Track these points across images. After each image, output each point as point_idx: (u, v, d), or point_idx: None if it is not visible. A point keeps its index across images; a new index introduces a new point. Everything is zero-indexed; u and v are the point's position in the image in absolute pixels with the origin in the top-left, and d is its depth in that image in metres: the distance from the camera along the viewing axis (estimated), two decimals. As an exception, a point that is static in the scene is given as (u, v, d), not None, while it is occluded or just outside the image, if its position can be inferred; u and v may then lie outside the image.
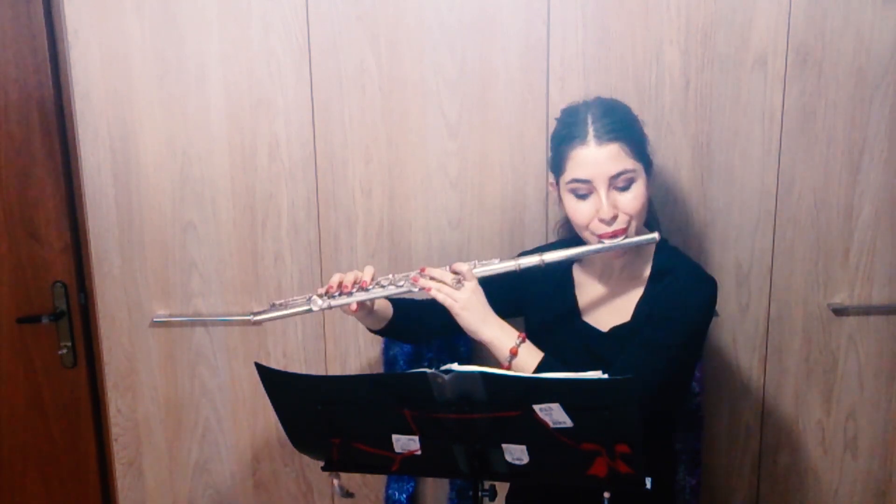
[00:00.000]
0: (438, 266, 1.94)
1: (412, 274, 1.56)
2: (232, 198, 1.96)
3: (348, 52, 1.87)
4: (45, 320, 2.06)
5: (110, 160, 1.94)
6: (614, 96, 1.84)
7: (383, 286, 1.55)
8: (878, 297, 1.97)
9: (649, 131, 1.86)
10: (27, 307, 2.07)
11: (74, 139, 1.94)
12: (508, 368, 1.49)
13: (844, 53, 1.84)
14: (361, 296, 1.54)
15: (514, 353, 1.50)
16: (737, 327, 1.99)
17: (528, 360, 1.50)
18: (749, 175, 1.91)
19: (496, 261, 1.56)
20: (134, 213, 1.97)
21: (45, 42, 1.93)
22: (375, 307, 1.62)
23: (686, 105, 1.88)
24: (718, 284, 1.94)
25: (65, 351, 2.08)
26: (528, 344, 1.52)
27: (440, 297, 1.52)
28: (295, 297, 1.59)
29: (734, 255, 1.95)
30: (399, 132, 1.91)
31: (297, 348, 2.03)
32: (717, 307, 1.95)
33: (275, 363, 2.02)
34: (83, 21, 1.87)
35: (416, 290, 1.54)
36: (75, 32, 1.87)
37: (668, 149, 1.90)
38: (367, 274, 1.55)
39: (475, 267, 1.54)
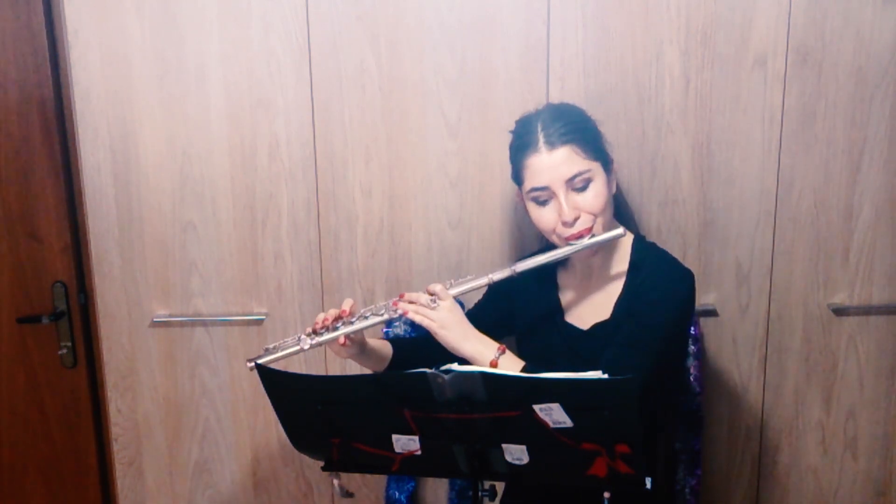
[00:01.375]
0: (436, 266, 1.96)
1: (391, 301, 1.57)
2: (232, 198, 1.96)
3: (348, 52, 1.87)
4: (45, 320, 2.06)
5: (110, 160, 1.94)
6: (614, 96, 1.85)
7: (366, 317, 1.56)
8: (878, 297, 1.97)
9: (649, 131, 1.88)
10: (27, 307, 2.07)
11: (74, 139, 1.95)
12: None
13: (844, 53, 1.84)
14: (347, 329, 1.54)
15: (494, 366, 1.49)
16: (737, 327, 1.99)
17: (509, 370, 1.49)
18: (749, 175, 1.91)
19: (469, 276, 1.59)
20: (134, 213, 1.97)
21: (45, 42, 1.93)
22: (371, 347, 1.62)
23: (686, 105, 1.88)
24: (718, 284, 1.96)
25: (65, 351, 2.08)
26: (508, 355, 1.52)
27: (418, 319, 1.52)
28: (286, 340, 1.59)
29: (734, 255, 1.95)
30: (399, 132, 1.91)
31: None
32: (717, 307, 1.97)
33: (275, 363, 2.01)
34: (83, 21, 1.87)
35: (397, 314, 1.55)
36: (75, 32, 1.88)
37: (668, 149, 1.90)
38: (346, 305, 1.56)
39: (450, 287, 1.56)
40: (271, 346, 1.61)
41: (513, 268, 1.56)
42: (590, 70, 1.86)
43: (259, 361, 1.52)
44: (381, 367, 1.66)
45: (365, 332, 1.59)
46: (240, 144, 1.93)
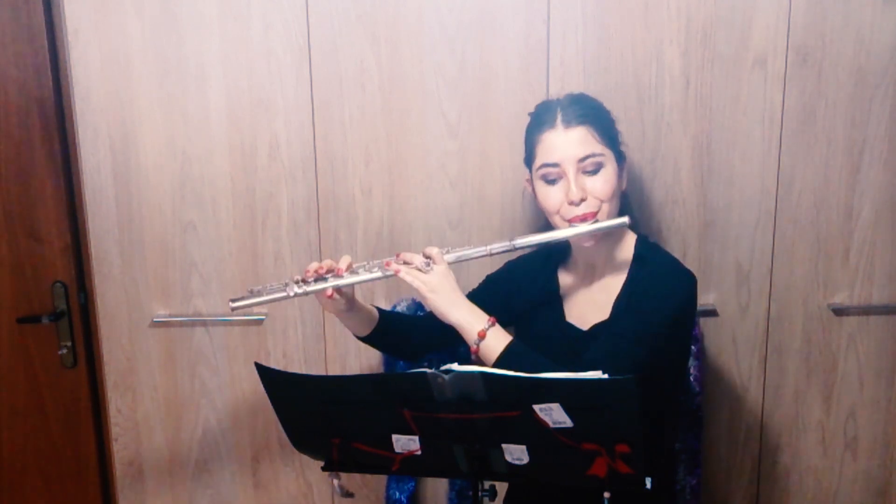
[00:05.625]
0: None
1: (385, 259, 1.56)
2: (232, 198, 1.96)
3: (348, 52, 1.87)
4: (45, 320, 2.06)
5: (110, 160, 1.94)
6: (614, 96, 1.85)
7: (357, 272, 1.55)
8: (878, 297, 1.97)
9: (649, 131, 1.88)
10: (27, 307, 2.07)
11: (74, 139, 1.95)
12: (476, 352, 1.48)
13: (844, 53, 1.85)
14: (336, 281, 1.53)
15: (482, 336, 1.48)
16: (737, 327, 1.99)
17: (495, 344, 1.47)
18: (749, 175, 1.91)
19: (468, 247, 1.57)
20: (134, 213, 1.97)
21: (45, 42, 1.93)
22: (358, 305, 1.61)
23: (686, 105, 1.88)
24: (718, 284, 1.96)
25: (65, 351, 2.08)
26: (497, 328, 1.50)
27: (409, 279, 1.51)
28: (272, 284, 1.58)
29: (734, 255, 1.95)
30: (399, 132, 1.91)
31: (297, 348, 2.03)
32: (717, 307, 1.97)
33: (275, 363, 2.02)
34: (83, 21, 1.87)
35: (389, 273, 1.53)
36: (75, 32, 1.88)
37: (668, 149, 1.90)
38: (342, 262, 1.55)
39: (448, 252, 1.55)
40: (256, 288, 1.60)
41: (512, 241, 1.54)
42: (590, 70, 1.86)
43: (241, 303, 1.56)
44: (366, 331, 1.65)
45: (355, 291, 1.59)
46: (240, 144, 1.93)
